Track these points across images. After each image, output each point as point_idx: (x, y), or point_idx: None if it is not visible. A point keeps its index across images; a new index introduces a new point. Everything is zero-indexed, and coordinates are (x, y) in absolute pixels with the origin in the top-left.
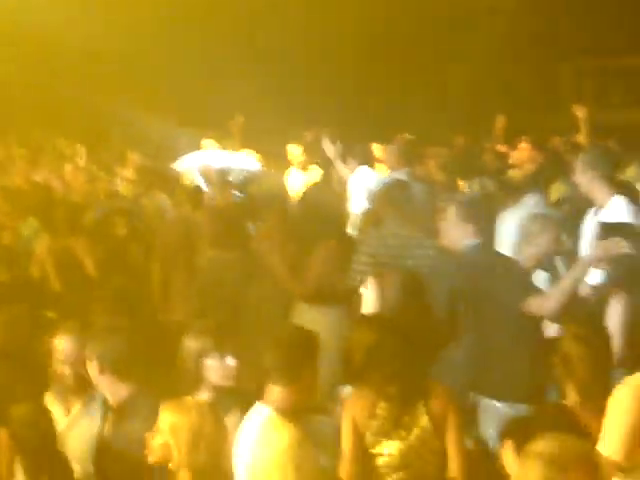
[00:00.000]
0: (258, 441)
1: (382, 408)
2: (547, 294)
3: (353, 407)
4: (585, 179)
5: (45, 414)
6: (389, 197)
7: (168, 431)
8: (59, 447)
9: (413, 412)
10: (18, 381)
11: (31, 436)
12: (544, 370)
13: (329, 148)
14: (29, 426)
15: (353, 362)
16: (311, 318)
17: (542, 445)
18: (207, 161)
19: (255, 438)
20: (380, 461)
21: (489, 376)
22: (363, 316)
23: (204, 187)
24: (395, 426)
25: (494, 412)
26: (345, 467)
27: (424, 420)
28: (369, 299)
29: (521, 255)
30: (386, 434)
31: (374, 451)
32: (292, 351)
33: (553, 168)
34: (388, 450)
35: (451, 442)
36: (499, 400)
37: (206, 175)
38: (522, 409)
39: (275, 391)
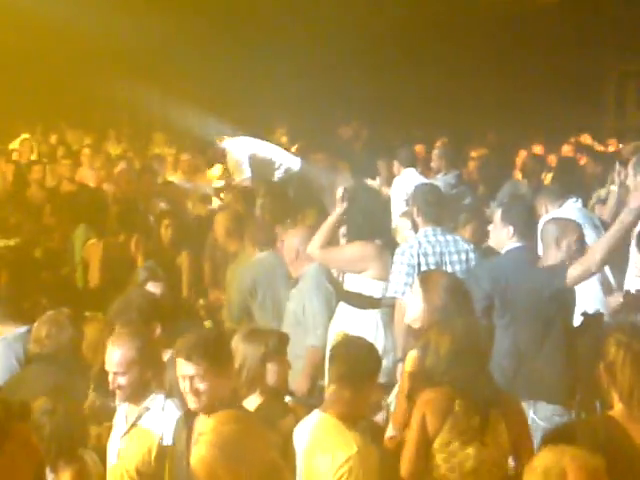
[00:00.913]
0: (321, 446)
1: (460, 405)
2: (592, 248)
3: (426, 405)
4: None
5: (64, 403)
6: (422, 202)
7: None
8: (82, 439)
9: (488, 417)
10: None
11: (47, 423)
12: (575, 372)
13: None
14: (45, 413)
15: (430, 363)
16: (354, 320)
17: (538, 459)
18: (257, 149)
19: (316, 443)
20: (448, 463)
21: (524, 377)
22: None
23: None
24: (470, 428)
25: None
26: (408, 466)
27: (501, 427)
28: (414, 304)
29: (549, 260)
30: (461, 434)
31: (443, 454)
32: (360, 363)
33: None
34: (461, 453)
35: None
36: (531, 399)
37: (255, 163)
38: (555, 420)
39: (339, 398)
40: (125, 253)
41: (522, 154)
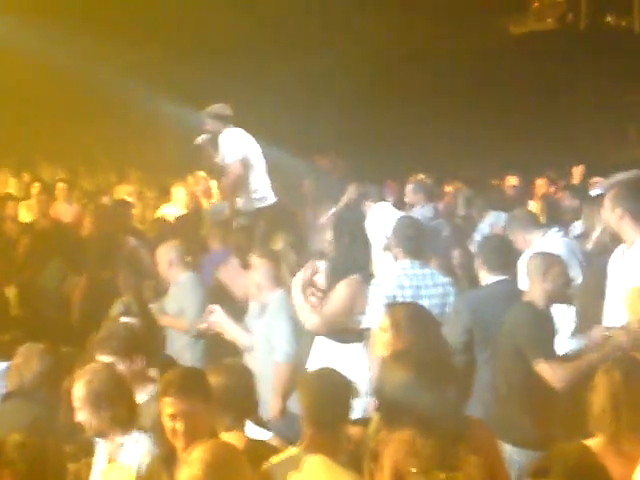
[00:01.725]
0: None
1: (423, 445)
2: (562, 366)
3: (393, 450)
4: (615, 216)
5: (37, 439)
6: (402, 235)
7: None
8: (59, 475)
9: (457, 453)
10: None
11: (19, 459)
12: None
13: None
14: (16, 449)
15: (387, 402)
16: (329, 353)
17: None
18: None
19: None
20: None
21: (501, 418)
22: (391, 354)
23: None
24: (441, 465)
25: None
26: None
27: (473, 461)
28: (379, 335)
29: (534, 294)
30: (427, 473)
31: None
32: (331, 401)
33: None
34: None
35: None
36: (508, 444)
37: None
38: (530, 455)
39: (318, 438)
40: (108, 290)
41: (500, 185)
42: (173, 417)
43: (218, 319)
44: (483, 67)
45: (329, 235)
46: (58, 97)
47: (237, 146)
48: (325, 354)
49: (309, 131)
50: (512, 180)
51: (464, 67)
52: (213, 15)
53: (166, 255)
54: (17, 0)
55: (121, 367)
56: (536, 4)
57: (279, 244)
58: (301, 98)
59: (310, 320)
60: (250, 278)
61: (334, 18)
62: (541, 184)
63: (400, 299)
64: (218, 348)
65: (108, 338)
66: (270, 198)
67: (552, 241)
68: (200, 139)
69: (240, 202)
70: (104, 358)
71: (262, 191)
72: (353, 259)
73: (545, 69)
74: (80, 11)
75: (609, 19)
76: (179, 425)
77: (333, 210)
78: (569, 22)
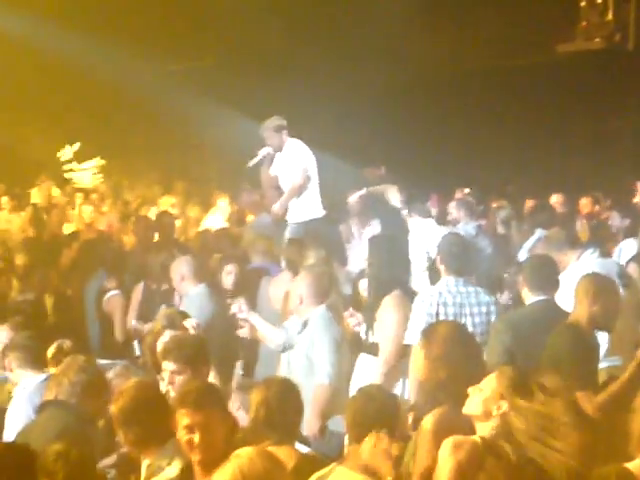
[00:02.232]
0: None
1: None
2: (600, 396)
3: (457, 451)
4: None
5: (78, 449)
6: (447, 252)
7: None
8: None
9: None
10: None
11: (61, 469)
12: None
13: (394, 196)
14: (58, 459)
15: None
16: (372, 369)
17: None
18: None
19: None
20: None
21: None
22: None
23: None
24: None
25: None
26: None
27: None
28: (416, 354)
29: (580, 314)
30: None
31: None
32: (373, 415)
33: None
34: None
35: None
36: None
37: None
38: None
39: (358, 452)
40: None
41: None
42: (189, 429)
43: (247, 315)
44: (531, 86)
45: (368, 252)
46: (102, 108)
47: (301, 157)
48: (369, 371)
49: (359, 144)
50: (557, 198)
51: (512, 86)
52: (266, 29)
53: (178, 269)
54: (63, 10)
55: (185, 376)
56: (584, 23)
57: (312, 260)
58: (352, 112)
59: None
60: (294, 291)
61: (387, 36)
62: (585, 203)
63: (443, 316)
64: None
65: (175, 347)
66: (319, 211)
67: (587, 262)
68: (264, 151)
69: (292, 214)
70: (169, 365)
71: (314, 204)
72: (393, 275)
73: (592, 88)
74: (129, 22)
75: None
76: (196, 437)
77: (374, 222)
78: (617, 42)
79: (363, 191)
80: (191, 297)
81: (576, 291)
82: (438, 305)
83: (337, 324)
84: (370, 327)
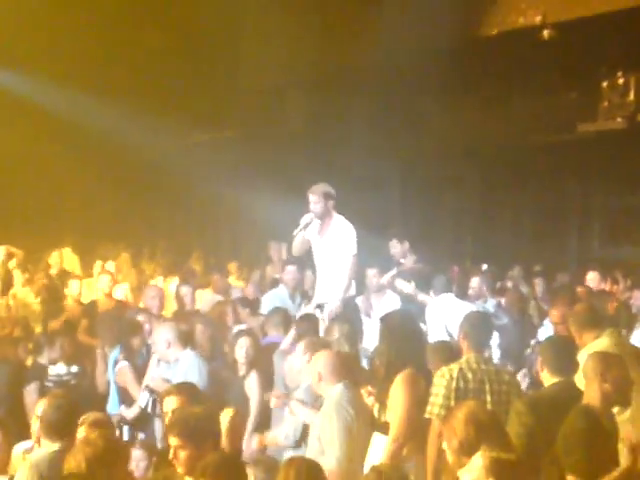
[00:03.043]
0: None
1: None
2: None
3: None
4: None
5: None
6: (468, 329)
7: None
8: None
9: None
10: None
11: None
12: None
13: (404, 285)
14: None
15: None
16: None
17: None
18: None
19: None
20: None
21: None
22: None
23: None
24: None
25: None
26: None
27: None
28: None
29: (591, 394)
30: None
31: None
32: None
33: None
34: None
35: None
36: None
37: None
38: None
39: None
40: None
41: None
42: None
43: (289, 405)
44: (554, 163)
45: (380, 329)
46: (122, 178)
47: (349, 243)
48: (381, 450)
49: (378, 216)
50: (592, 275)
51: (534, 163)
52: (286, 103)
53: (164, 335)
54: (81, 78)
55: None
56: (605, 103)
57: (337, 335)
58: (370, 185)
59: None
60: (312, 367)
61: (410, 112)
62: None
63: (463, 392)
64: None
65: (178, 422)
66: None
67: (602, 342)
68: (306, 218)
69: (322, 293)
70: (172, 440)
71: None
72: (405, 353)
73: (613, 167)
74: (150, 92)
75: None
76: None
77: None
78: (638, 122)
79: (394, 271)
80: (186, 362)
81: (584, 372)
82: (458, 380)
83: (352, 404)
84: (383, 406)
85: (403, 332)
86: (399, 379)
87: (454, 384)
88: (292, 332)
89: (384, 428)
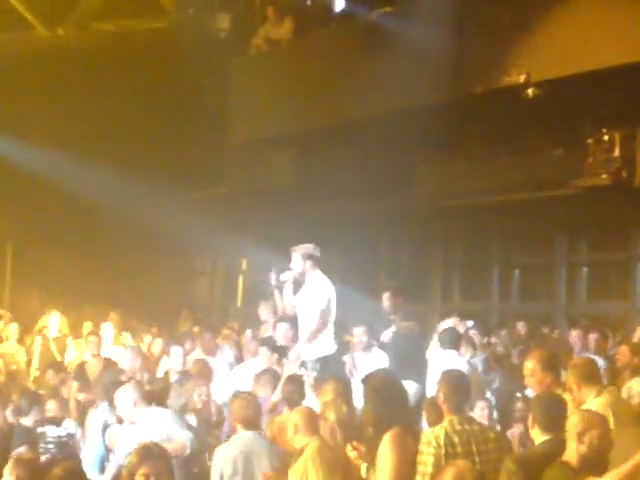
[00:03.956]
0: None
1: None
2: None
3: None
4: None
5: None
6: (449, 390)
7: None
8: None
9: None
10: None
11: None
12: None
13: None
14: None
15: None
16: None
17: None
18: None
19: None
20: None
21: None
22: None
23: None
24: None
25: None
26: None
27: None
28: None
29: (569, 452)
30: None
31: None
32: None
33: None
34: None
35: None
36: None
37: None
38: None
39: None
40: None
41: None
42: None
43: None
44: (541, 219)
45: (364, 390)
46: (106, 236)
47: (321, 296)
48: None
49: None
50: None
51: (523, 218)
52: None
53: (129, 396)
54: (74, 139)
55: None
56: (590, 160)
57: (330, 395)
58: (359, 243)
59: None
60: (289, 420)
61: (396, 170)
62: (595, 337)
63: (452, 457)
64: None
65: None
66: (332, 347)
67: (601, 400)
68: (288, 275)
69: (307, 351)
70: None
71: (328, 340)
72: (392, 412)
73: (598, 223)
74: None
75: None
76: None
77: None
78: (624, 179)
79: (393, 328)
80: (158, 418)
81: (567, 428)
82: (446, 446)
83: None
84: (372, 465)
85: (389, 391)
86: (387, 438)
87: (442, 451)
88: (277, 393)
89: None
